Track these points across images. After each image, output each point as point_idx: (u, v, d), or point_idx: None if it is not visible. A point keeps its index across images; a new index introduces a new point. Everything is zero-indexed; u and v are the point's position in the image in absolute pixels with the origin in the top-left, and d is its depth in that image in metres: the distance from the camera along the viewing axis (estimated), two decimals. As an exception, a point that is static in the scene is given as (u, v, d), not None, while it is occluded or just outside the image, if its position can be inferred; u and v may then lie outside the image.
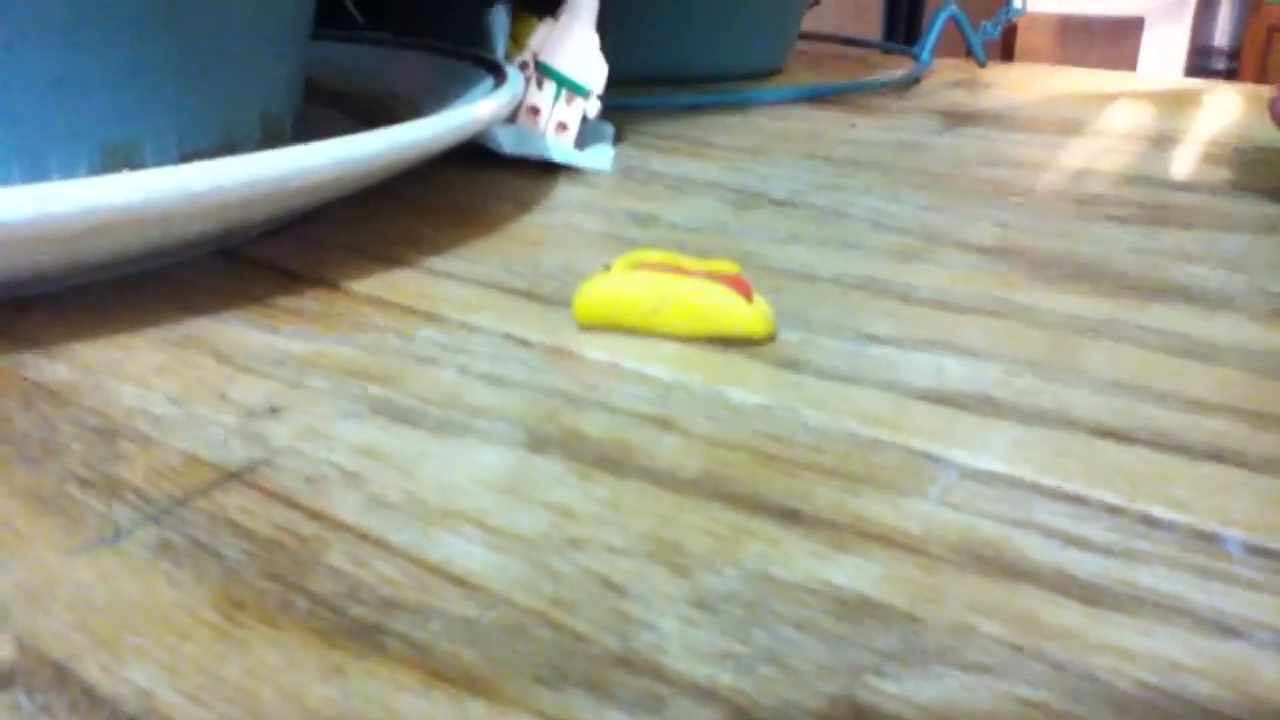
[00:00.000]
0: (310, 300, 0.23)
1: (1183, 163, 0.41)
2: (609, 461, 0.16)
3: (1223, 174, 0.38)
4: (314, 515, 0.15)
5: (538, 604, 0.13)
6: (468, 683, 0.11)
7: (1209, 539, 0.14)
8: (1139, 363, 0.20)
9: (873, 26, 1.31)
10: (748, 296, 0.22)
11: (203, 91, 0.26)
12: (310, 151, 0.22)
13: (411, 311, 0.23)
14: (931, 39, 0.62)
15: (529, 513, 0.15)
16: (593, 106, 0.37)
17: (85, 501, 0.15)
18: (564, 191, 0.34)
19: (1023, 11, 0.61)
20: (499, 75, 0.34)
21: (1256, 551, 0.14)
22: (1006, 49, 1.65)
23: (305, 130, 0.30)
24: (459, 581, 0.13)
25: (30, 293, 0.23)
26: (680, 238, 0.29)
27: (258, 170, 0.21)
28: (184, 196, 0.19)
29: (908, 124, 0.48)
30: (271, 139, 0.29)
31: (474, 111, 0.28)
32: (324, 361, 0.20)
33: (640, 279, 0.22)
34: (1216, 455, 0.17)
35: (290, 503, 0.15)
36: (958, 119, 0.49)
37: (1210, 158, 0.42)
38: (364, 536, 0.14)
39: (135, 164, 0.24)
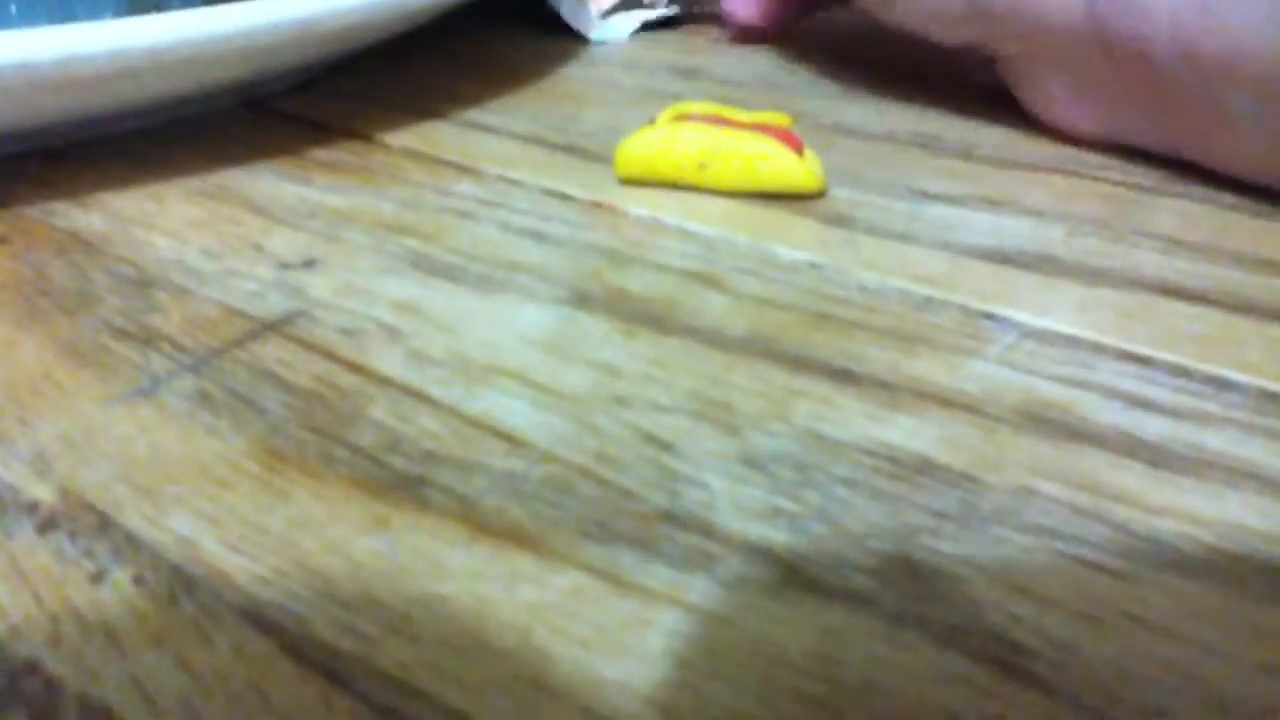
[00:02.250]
0: (344, 153, 0.23)
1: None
2: (654, 319, 0.16)
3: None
4: (354, 369, 0.14)
5: (583, 460, 0.13)
6: (513, 536, 0.11)
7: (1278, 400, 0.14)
8: (1209, 223, 0.19)
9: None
10: (798, 151, 0.21)
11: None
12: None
13: (449, 166, 0.22)
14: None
15: (573, 370, 0.15)
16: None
17: (122, 353, 0.15)
18: (604, 47, 0.33)
19: None
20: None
21: (1333, 417, 0.14)
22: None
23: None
24: (503, 437, 0.13)
25: (61, 142, 0.22)
26: (726, 93, 0.27)
27: (285, 11, 0.20)
28: (211, 38, 0.19)
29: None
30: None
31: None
32: (360, 215, 0.19)
33: (686, 132, 0.21)
34: (1291, 318, 0.16)
35: (330, 356, 0.15)
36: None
37: None
38: (406, 390, 0.14)
39: (162, 7, 0.23)
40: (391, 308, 0.16)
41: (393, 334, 0.15)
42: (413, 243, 0.18)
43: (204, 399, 0.14)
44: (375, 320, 0.16)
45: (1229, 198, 0.20)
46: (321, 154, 0.23)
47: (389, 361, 0.15)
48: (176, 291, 0.16)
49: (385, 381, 0.14)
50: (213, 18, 0.19)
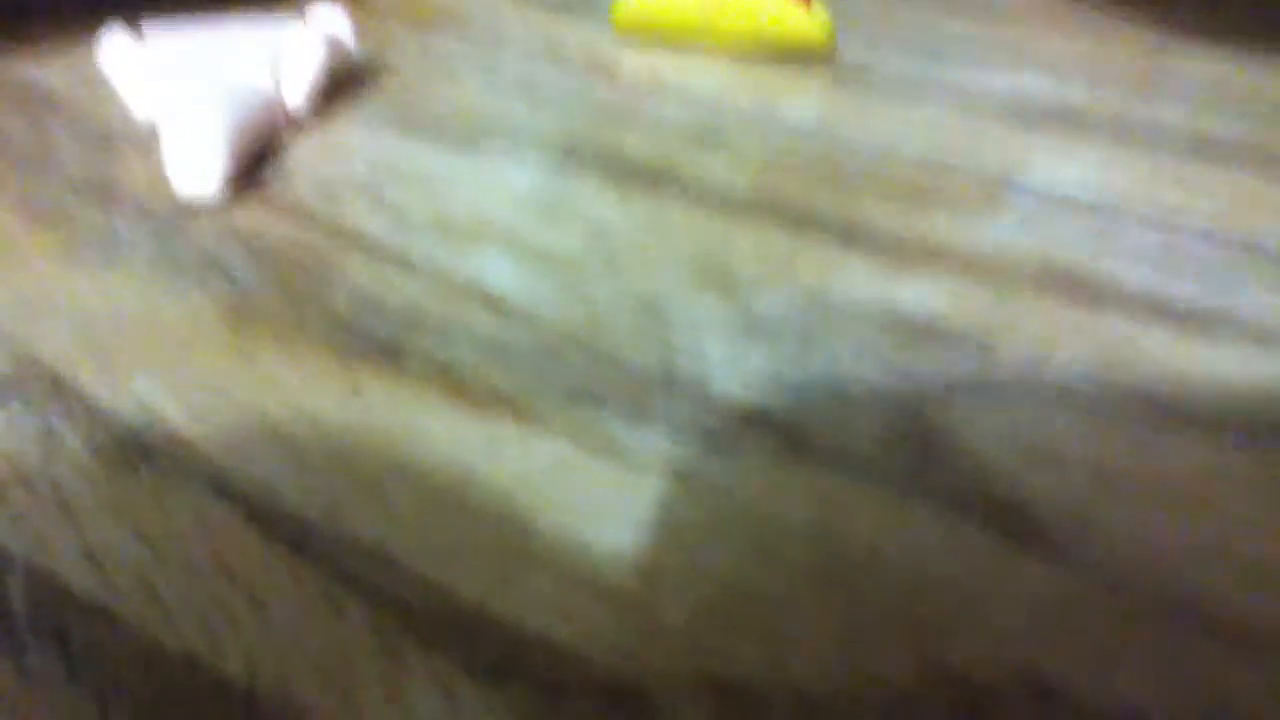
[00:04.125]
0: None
1: None
2: (651, 180, 0.15)
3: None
4: (330, 229, 0.14)
5: (572, 325, 0.12)
6: (496, 402, 0.10)
7: (1319, 266, 0.13)
8: (1238, 79, 0.18)
9: None
10: (807, 2, 0.19)
11: None
12: None
13: (436, 22, 0.21)
14: None
15: (564, 231, 0.14)
16: None
17: (83, 212, 0.14)
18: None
19: None
20: None
21: (1372, 279, 0.13)
22: None
23: None
24: (487, 300, 0.12)
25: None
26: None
27: None
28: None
29: None
30: None
31: None
32: (336, 70, 0.18)
33: (686, -17, 0.19)
34: (1330, 178, 0.15)
35: (303, 215, 0.14)
36: None
37: None
38: (384, 252, 0.13)
39: None
40: (371, 166, 0.15)
41: (372, 195, 0.14)
42: (396, 100, 0.17)
43: (168, 261, 0.13)
44: (354, 180, 0.15)
45: (1260, 54, 0.19)
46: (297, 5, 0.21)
47: (367, 222, 0.14)
48: (141, 148, 0.15)
49: (362, 243, 0.13)
50: None
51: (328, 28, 0.17)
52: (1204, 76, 0.18)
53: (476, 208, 0.14)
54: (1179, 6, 0.21)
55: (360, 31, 0.17)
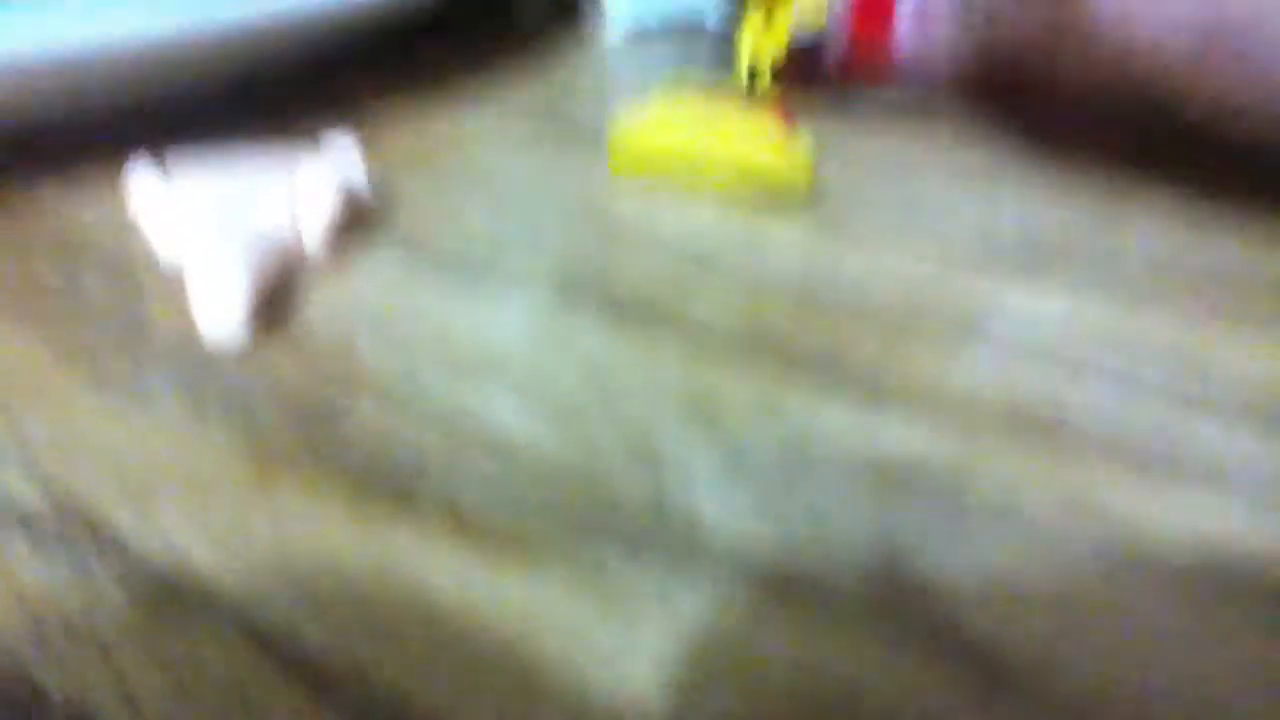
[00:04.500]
0: (336, 135, 0.22)
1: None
2: (644, 311, 0.16)
3: None
4: (345, 367, 0.14)
5: (570, 461, 0.13)
6: (500, 538, 0.11)
7: (1268, 408, 0.14)
8: (1197, 224, 0.19)
9: None
10: (792, 127, 0.21)
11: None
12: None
13: (444, 154, 0.22)
14: None
15: (562, 365, 0.15)
16: None
17: (113, 352, 0.15)
18: (600, 41, 0.33)
19: None
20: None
21: (1318, 419, 0.14)
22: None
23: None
24: (490, 437, 0.13)
25: (48, 136, 0.22)
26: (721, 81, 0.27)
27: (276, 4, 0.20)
28: (223, 30, 0.18)
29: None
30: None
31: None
32: (352, 212, 0.19)
33: (680, 123, 0.21)
34: (1280, 317, 0.16)
35: (320, 357, 0.15)
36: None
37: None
38: (395, 390, 0.14)
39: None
40: (382, 307, 0.16)
41: (382, 332, 0.15)
42: (405, 235, 0.18)
43: (194, 400, 0.14)
44: (364, 318, 0.16)
45: (1223, 208, 0.20)
46: (311, 131, 0.22)
47: (378, 361, 0.15)
48: (168, 289, 0.16)
49: (375, 384, 0.14)
50: (224, 9, 0.19)
51: (342, 169, 0.18)
52: (1165, 220, 0.20)
53: (481, 344, 0.15)
54: (1148, 155, 0.23)
55: (372, 172, 0.19)
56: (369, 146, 0.22)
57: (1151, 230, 0.19)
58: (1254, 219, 0.19)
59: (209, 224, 0.16)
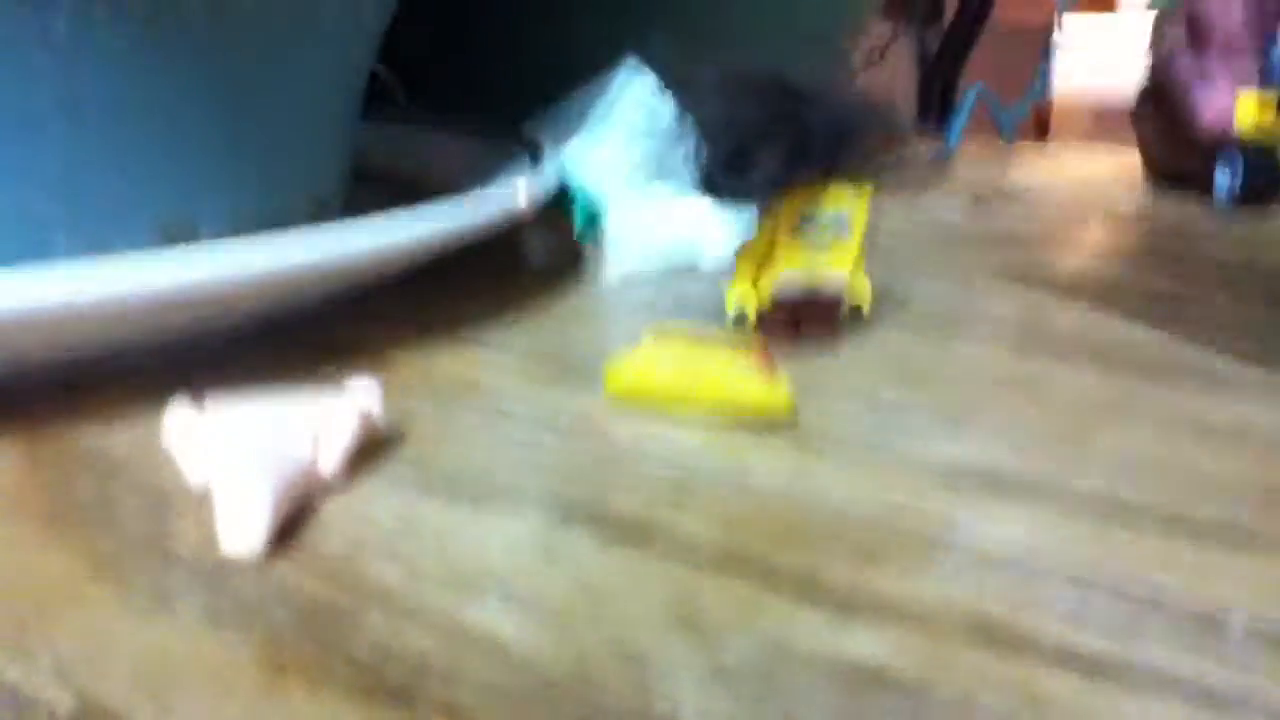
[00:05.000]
0: (351, 372, 0.24)
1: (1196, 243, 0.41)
2: (633, 533, 0.17)
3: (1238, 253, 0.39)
4: (354, 581, 0.16)
5: (563, 670, 0.14)
6: (494, 743, 0.12)
7: (1211, 620, 0.15)
8: (1156, 443, 0.21)
9: (907, 108, 1.33)
10: (772, 369, 0.22)
11: (254, 172, 0.27)
12: (366, 230, 0.24)
13: (452, 384, 0.24)
14: (960, 119, 0.64)
15: (556, 582, 0.16)
16: None
17: (141, 567, 0.16)
18: (604, 275, 0.35)
19: (1041, 94, 0.63)
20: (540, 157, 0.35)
21: (1259, 634, 0.15)
22: (1041, 126, 1.66)
23: (353, 211, 0.32)
24: (489, 648, 0.14)
25: (86, 365, 0.24)
26: (716, 315, 0.30)
27: (306, 250, 0.22)
28: (246, 277, 0.21)
29: (938, 202, 0.49)
30: (321, 218, 0.30)
31: (518, 194, 0.30)
32: (373, 434, 0.21)
33: (670, 357, 0.23)
34: (1224, 536, 0.17)
35: (332, 569, 0.16)
36: (986, 197, 0.50)
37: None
38: (400, 602, 0.15)
39: (190, 239, 0.26)
40: (391, 522, 0.17)
41: (391, 548, 0.17)
42: (413, 457, 0.20)
43: (214, 610, 0.15)
44: (374, 536, 0.17)
45: (1170, 418, 0.22)
46: (331, 374, 0.24)
47: (385, 575, 0.16)
48: (194, 508, 0.18)
49: (381, 594, 0.15)
50: (249, 256, 0.21)
51: (361, 401, 0.19)
52: (1122, 439, 0.21)
53: (481, 560, 0.16)
54: (1112, 369, 0.24)
55: (386, 400, 0.20)
56: (386, 383, 0.23)
57: (1118, 441, 0.20)
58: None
59: (235, 447, 0.17)
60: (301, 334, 0.27)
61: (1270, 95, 0.43)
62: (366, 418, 0.19)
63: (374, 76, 0.34)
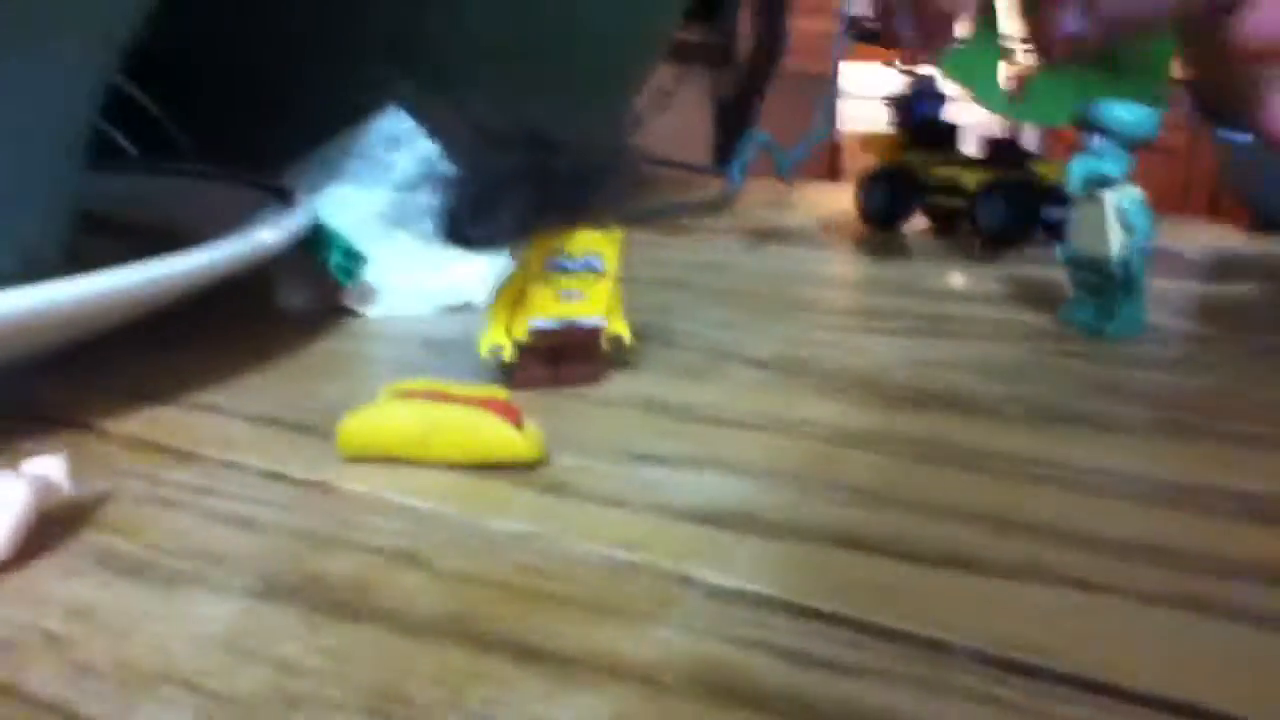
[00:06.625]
0: (58, 444, 0.22)
1: (964, 273, 0.43)
2: (344, 606, 0.16)
3: (998, 286, 0.40)
4: (6, 689, 0.13)
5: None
6: None
7: (938, 648, 0.15)
8: (891, 472, 0.21)
9: (700, 150, 1.36)
10: (517, 423, 0.21)
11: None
12: (75, 284, 0.21)
13: (167, 452, 0.22)
14: (742, 161, 0.65)
15: (248, 670, 0.14)
16: None
17: None
18: (360, 321, 0.34)
19: (822, 138, 0.65)
20: (289, 201, 0.33)
21: (985, 660, 0.14)
22: (833, 168, 1.74)
23: (78, 263, 0.29)
24: (150, 754, 0.12)
25: None
26: (476, 368, 0.28)
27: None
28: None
29: (715, 243, 0.49)
30: (34, 272, 0.28)
31: (256, 238, 0.28)
32: (57, 511, 0.19)
33: (406, 407, 0.21)
34: (955, 563, 0.17)
35: (-26, 674, 0.14)
36: (763, 237, 0.51)
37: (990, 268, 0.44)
38: (57, 711, 0.13)
39: None
40: (62, 613, 0.15)
41: (55, 644, 0.14)
42: (105, 538, 0.18)
43: None
44: (40, 630, 0.15)
45: (914, 447, 0.22)
46: (31, 445, 0.22)
47: (44, 678, 0.14)
48: None
49: (35, 702, 0.13)
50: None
51: (42, 475, 0.17)
52: (862, 472, 0.21)
53: (163, 651, 0.14)
54: (868, 401, 0.24)
55: (85, 466, 0.18)
56: (87, 454, 0.21)
57: (858, 473, 0.20)
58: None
59: None
60: (4, 398, 0.25)
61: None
62: (46, 485, 0.17)
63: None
